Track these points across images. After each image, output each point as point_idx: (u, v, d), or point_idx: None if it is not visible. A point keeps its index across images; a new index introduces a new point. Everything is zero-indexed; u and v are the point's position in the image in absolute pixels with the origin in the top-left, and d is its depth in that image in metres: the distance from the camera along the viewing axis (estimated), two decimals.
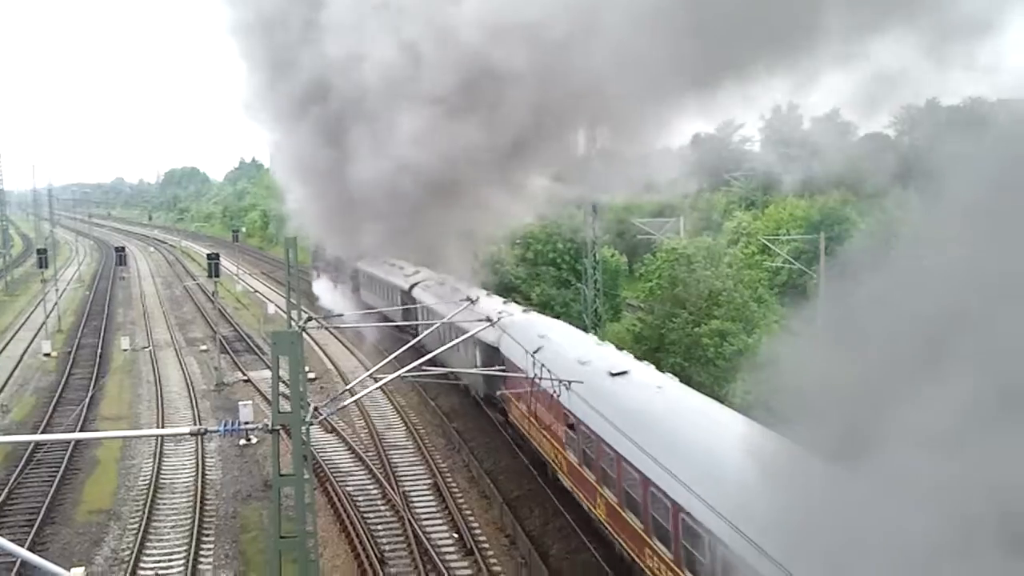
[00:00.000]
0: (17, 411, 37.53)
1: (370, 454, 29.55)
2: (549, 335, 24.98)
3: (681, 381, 21.06)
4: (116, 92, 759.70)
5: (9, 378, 43.48)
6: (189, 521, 24.83)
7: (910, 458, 7.90)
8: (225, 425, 13.06)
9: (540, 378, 20.96)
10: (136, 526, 24.57)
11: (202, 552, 23.17)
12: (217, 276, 49.37)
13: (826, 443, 9.25)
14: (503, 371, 25.61)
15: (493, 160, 29.81)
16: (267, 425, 12.87)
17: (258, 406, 34.93)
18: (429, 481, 27.27)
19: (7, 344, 53.34)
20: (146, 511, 25.36)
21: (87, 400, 37.41)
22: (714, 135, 74.39)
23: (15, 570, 21.28)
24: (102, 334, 55.75)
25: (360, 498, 26.02)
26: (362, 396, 28.65)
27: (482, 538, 23.23)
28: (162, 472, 28.64)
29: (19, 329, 58.76)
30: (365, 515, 24.67)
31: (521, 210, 38.14)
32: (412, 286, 40.02)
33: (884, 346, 8.85)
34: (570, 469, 21.63)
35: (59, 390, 40.27)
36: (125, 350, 49.38)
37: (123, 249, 76.40)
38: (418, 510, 25.04)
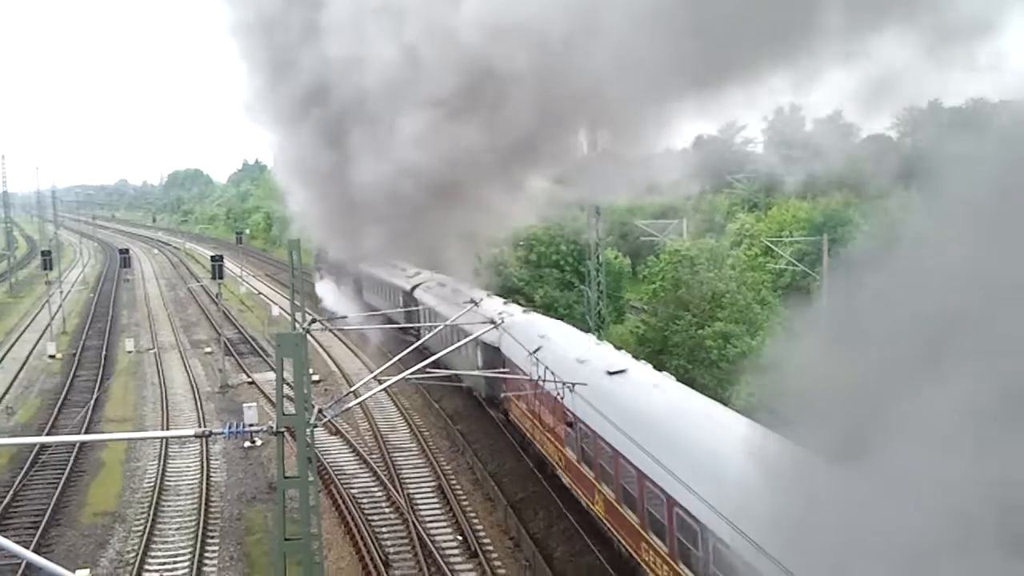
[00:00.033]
0: (22, 413, 37.63)
1: (374, 456, 29.60)
2: (549, 335, 25.32)
3: (685, 383, 21.25)
4: (120, 94, 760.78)
5: (14, 380, 43.60)
6: (194, 523, 24.89)
7: (912, 458, 7.94)
8: (229, 427, 13.10)
9: (544, 380, 21.09)
10: (141, 528, 24.64)
11: (207, 554, 23.22)
12: (221, 278, 49.46)
13: (828, 443, 9.30)
14: (505, 372, 25.82)
15: (494, 162, 29.83)
16: (271, 427, 12.92)
17: (262, 408, 35.00)
18: (433, 483, 27.31)
19: (12, 346, 53.51)
20: (151, 513, 25.42)
21: (92, 402, 37.51)
22: (717, 137, 74.45)
23: (20, 572, 21.36)
24: (107, 336, 55.90)
25: (364, 500, 26.07)
26: (366, 398, 28.72)
27: (486, 540, 23.25)
28: (167, 474, 28.72)
29: (24, 331, 58.91)
30: (369, 517, 24.72)
31: (523, 212, 38.16)
32: (414, 287, 40.25)
33: (886, 346, 8.89)
34: (569, 466, 21.90)
35: (64, 392, 40.37)
36: (130, 352, 49.58)
37: (127, 251, 76.36)
38: (422, 512, 25.08)
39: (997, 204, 8.42)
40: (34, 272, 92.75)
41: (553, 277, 45.52)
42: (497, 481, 26.52)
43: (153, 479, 28.19)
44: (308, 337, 14.20)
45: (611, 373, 20.58)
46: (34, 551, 20.62)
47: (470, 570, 21.85)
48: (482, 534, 23.61)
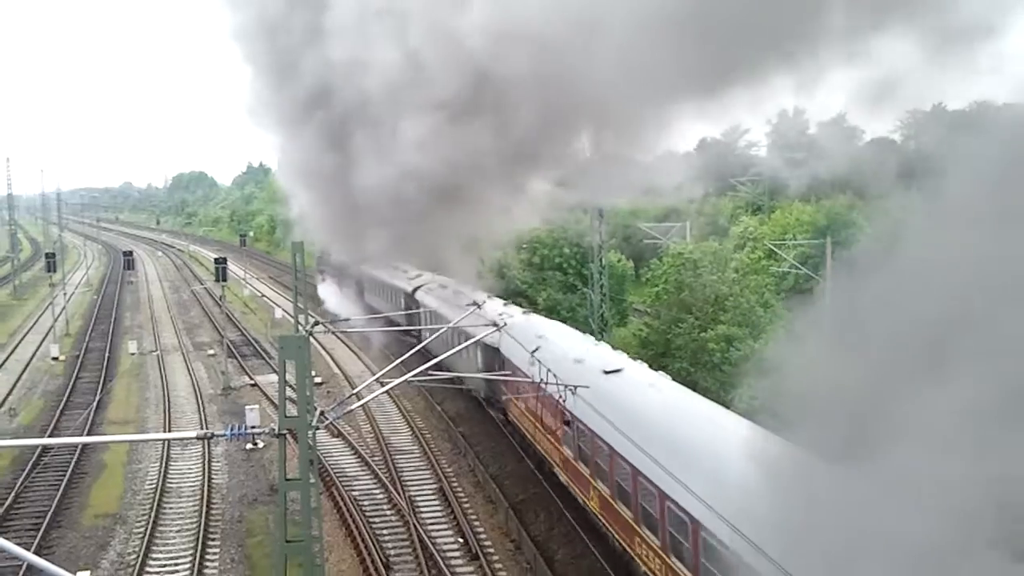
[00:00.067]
0: (25, 414, 37.67)
1: (376, 459, 29.58)
2: (547, 335, 25.62)
3: (688, 386, 21.42)
4: (124, 97, 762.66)
5: (17, 381, 43.65)
6: (195, 525, 24.89)
7: (912, 459, 7.93)
8: (232, 429, 13.08)
9: (546, 383, 21.15)
10: (142, 530, 24.62)
11: (208, 556, 23.21)
12: (224, 280, 49.47)
13: (828, 444, 9.32)
14: (505, 373, 26.07)
15: (497, 165, 29.83)
16: (274, 429, 12.90)
17: (265, 410, 35.02)
18: (435, 486, 27.29)
19: (16, 347, 53.58)
20: (152, 515, 25.41)
21: (94, 404, 37.56)
22: (720, 140, 74.47)
23: (21, 574, 21.35)
24: (110, 338, 55.94)
25: (366, 502, 26.05)
26: (368, 400, 28.71)
27: (487, 543, 23.23)
28: (169, 476, 28.71)
29: (27, 333, 59.03)
30: (371, 520, 24.70)
31: (525, 215, 38.16)
32: (415, 289, 40.35)
33: (887, 347, 8.89)
34: (566, 464, 22.14)
35: (67, 394, 40.41)
36: (133, 354, 49.63)
37: (131, 253, 76.39)
38: (424, 515, 25.05)
39: (998, 203, 8.41)
40: (38, 274, 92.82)
41: (556, 280, 45.52)
42: (498, 483, 26.50)
43: (155, 481, 28.18)
44: (311, 339, 14.19)
45: (607, 372, 20.94)
46: (35, 553, 20.63)
47: (471, 572, 21.82)
48: (483, 536, 23.58)
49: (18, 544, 10.17)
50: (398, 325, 40.59)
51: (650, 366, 23.18)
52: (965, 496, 7.42)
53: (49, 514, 25.52)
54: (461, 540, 23.43)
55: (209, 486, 27.60)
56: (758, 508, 10.56)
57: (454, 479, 27.71)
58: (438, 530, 24.10)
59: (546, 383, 20.87)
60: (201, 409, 37.58)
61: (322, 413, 14.23)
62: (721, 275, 36.21)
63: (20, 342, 55.44)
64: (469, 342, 25.26)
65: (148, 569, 22.61)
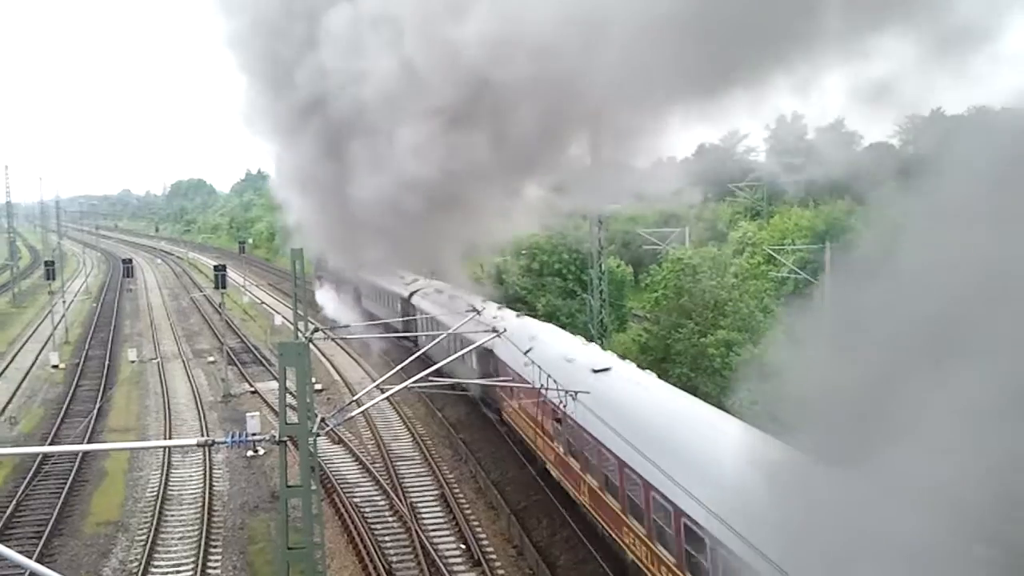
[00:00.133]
0: (25, 423, 37.65)
1: (377, 465, 29.59)
2: (539, 336, 26.76)
3: (687, 391, 21.91)
4: (123, 104, 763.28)
5: (17, 390, 43.61)
6: (197, 532, 24.89)
7: (912, 461, 7.96)
8: (232, 437, 13.12)
9: (546, 388, 21.36)
10: (144, 537, 24.62)
11: (210, 563, 23.21)
12: (224, 288, 49.50)
13: (828, 446, 9.38)
14: (506, 380, 26.49)
15: (494, 170, 29.84)
16: (274, 436, 12.93)
17: (265, 417, 35.00)
18: (436, 492, 27.29)
19: (15, 356, 53.54)
20: (154, 522, 25.42)
21: (95, 412, 37.55)
22: (719, 145, 74.61)
23: None
24: (109, 346, 55.90)
25: (367, 509, 26.05)
26: (369, 407, 28.70)
27: (489, 549, 23.23)
28: (170, 484, 28.70)
29: (27, 341, 58.96)
30: (372, 526, 24.70)
31: (522, 220, 38.18)
32: (411, 294, 40.57)
33: (885, 348, 8.94)
34: (558, 460, 22.95)
35: (67, 402, 40.39)
36: (132, 362, 49.59)
37: (130, 261, 76.39)
38: (425, 521, 25.05)
39: (999, 202, 8.44)
40: (37, 282, 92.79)
41: (555, 286, 45.56)
42: (500, 489, 26.50)
43: (156, 488, 28.18)
44: (311, 346, 14.21)
45: (596, 371, 21.82)
46: (37, 561, 20.60)
47: None
48: (485, 542, 23.59)
49: (20, 552, 10.20)
50: (396, 330, 40.68)
51: (651, 371, 23.67)
52: (966, 496, 7.44)
53: (51, 522, 25.51)
54: (463, 546, 23.43)
55: (210, 493, 27.59)
56: (738, 496, 11.15)
57: (455, 485, 27.71)
58: (440, 536, 24.10)
59: (542, 386, 21.28)
60: (201, 416, 37.57)
61: (323, 420, 14.25)
62: (720, 280, 36.25)
63: (19, 350, 55.40)
64: (470, 347, 25.42)
65: None
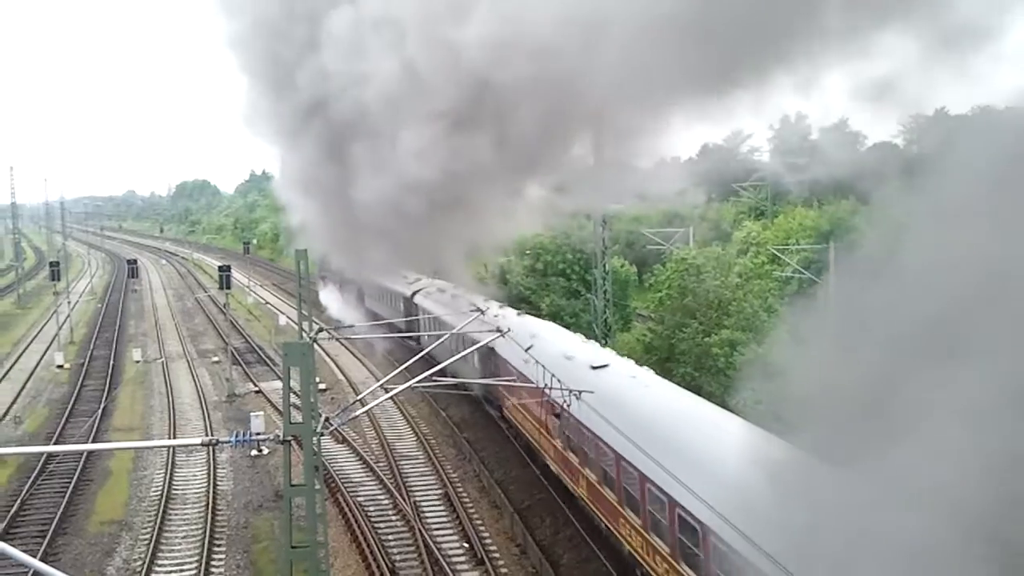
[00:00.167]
0: (30, 422, 37.75)
1: (381, 464, 29.62)
2: (539, 334, 27.29)
3: (692, 391, 22.15)
4: (127, 105, 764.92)
5: (22, 390, 43.74)
6: (201, 532, 24.94)
7: (912, 461, 7.96)
8: (237, 436, 13.15)
9: (550, 388, 21.38)
10: (148, 536, 24.69)
11: (213, 562, 23.26)
12: (228, 288, 49.58)
13: (829, 444, 9.39)
14: (503, 374, 27.15)
15: (496, 171, 29.84)
16: (278, 436, 12.96)
17: (269, 417, 35.06)
18: (440, 491, 27.32)
19: (20, 356, 53.68)
20: (158, 522, 25.48)
21: (99, 411, 37.61)
22: (722, 146, 74.56)
23: None
24: (114, 346, 56.03)
25: (371, 508, 26.08)
26: (373, 407, 28.75)
27: (493, 548, 23.24)
28: (174, 483, 28.76)
29: (32, 341, 59.11)
30: (376, 525, 24.73)
31: (526, 221, 38.20)
32: (414, 293, 40.65)
33: (887, 348, 8.94)
34: (557, 455, 23.35)
35: (72, 402, 40.50)
36: (137, 362, 49.69)
37: (135, 261, 76.67)
38: (429, 520, 25.08)
39: (1000, 201, 8.43)
40: (42, 283, 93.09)
41: (559, 286, 45.55)
42: (503, 488, 26.52)
43: (160, 488, 28.24)
44: (315, 346, 14.25)
45: (594, 367, 22.30)
46: (41, 560, 20.65)
47: None
48: (488, 541, 23.60)
49: (24, 551, 10.24)
50: (399, 330, 40.76)
51: (655, 371, 24.07)
52: (966, 496, 7.45)
53: (55, 521, 25.59)
54: (466, 545, 23.45)
55: (214, 492, 27.65)
56: (731, 486, 11.54)
57: (459, 484, 27.74)
58: (443, 535, 24.13)
59: (543, 384, 21.35)
60: (206, 416, 37.65)
61: (327, 419, 14.29)
62: (724, 280, 36.22)
63: (24, 351, 55.53)
64: (474, 347, 25.49)
65: (154, 575, 22.66)
